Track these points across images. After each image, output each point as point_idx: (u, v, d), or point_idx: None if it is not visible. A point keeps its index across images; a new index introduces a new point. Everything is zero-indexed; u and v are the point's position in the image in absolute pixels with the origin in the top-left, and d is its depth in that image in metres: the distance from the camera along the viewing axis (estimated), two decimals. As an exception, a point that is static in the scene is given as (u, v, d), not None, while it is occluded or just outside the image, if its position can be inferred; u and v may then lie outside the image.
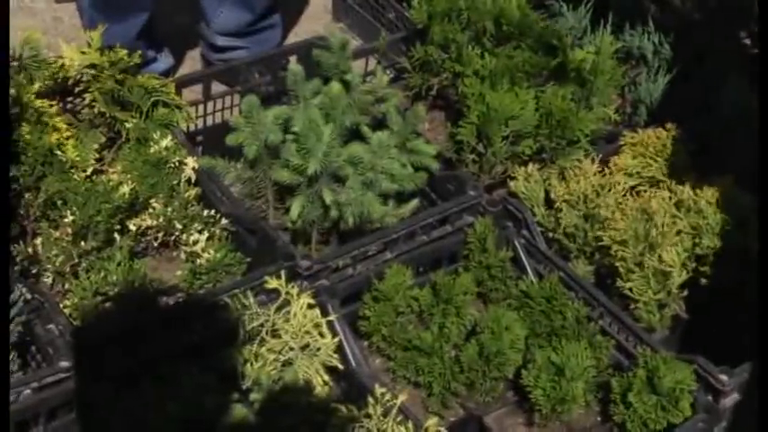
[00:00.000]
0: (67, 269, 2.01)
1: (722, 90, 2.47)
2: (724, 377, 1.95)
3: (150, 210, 2.15)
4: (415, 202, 2.26)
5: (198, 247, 2.13)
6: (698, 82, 2.50)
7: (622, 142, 2.40)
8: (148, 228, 2.14)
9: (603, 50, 2.44)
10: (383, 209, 2.16)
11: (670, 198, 2.27)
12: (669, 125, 2.39)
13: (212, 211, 2.19)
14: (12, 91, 2.05)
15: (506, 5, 2.54)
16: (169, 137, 2.24)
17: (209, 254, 2.12)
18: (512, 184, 2.33)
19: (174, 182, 2.20)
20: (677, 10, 2.60)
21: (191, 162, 2.23)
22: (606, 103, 2.44)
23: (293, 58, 2.49)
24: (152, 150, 2.21)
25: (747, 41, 2.63)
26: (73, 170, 2.13)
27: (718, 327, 2.14)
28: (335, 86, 2.24)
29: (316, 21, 3.17)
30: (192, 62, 2.93)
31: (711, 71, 2.51)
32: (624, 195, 2.29)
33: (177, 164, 2.22)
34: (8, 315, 1.71)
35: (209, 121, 2.47)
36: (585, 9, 2.63)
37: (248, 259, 2.14)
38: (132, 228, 2.11)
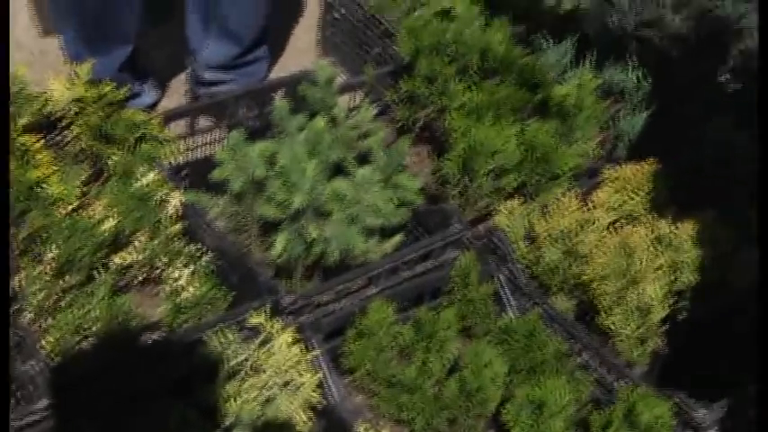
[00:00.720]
0: (49, 305, 2.02)
1: (702, 126, 2.50)
2: (702, 412, 1.96)
3: (134, 245, 2.16)
4: (399, 237, 2.27)
5: (181, 282, 2.14)
6: (678, 118, 2.54)
7: (603, 177, 2.43)
8: (132, 263, 2.15)
9: (585, 86, 2.48)
10: (367, 245, 2.17)
11: (652, 232, 2.29)
12: (649, 160, 2.42)
13: (197, 246, 2.20)
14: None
15: (492, 39, 2.57)
16: (154, 171, 2.25)
17: (192, 288, 2.13)
18: (495, 218, 2.35)
19: (159, 216, 2.21)
20: (657, 46, 2.63)
21: (176, 196, 2.24)
22: (588, 139, 2.47)
23: (280, 93, 2.51)
24: (137, 185, 2.21)
25: (727, 77, 2.66)
26: (57, 205, 2.14)
27: (697, 362, 2.15)
28: (321, 122, 2.26)
29: (304, 54, 3.19)
30: (179, 95, 2.95)
31: (691, 107, 2.54)
32: (605, 230, 2.31)
33: (162, 198, 2.23)
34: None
35: (195, 155, 2.48)
36: (568, 44, 2.66)
37: (232, 294, 2.14)
38: (116, 263, 2.12)
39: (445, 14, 2.56)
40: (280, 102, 2.29)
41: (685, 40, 2.60)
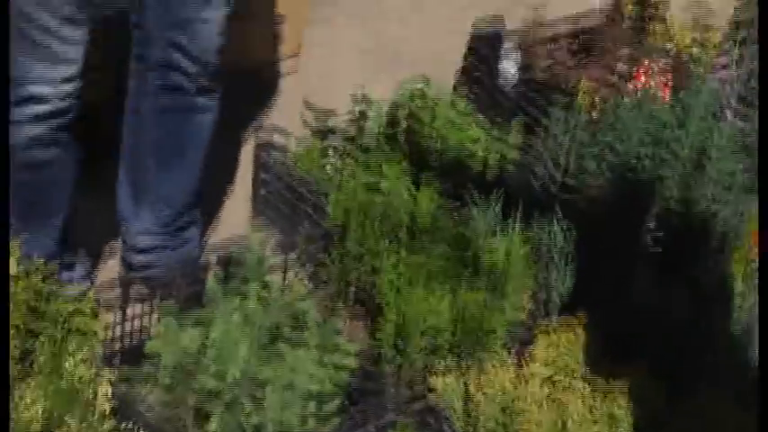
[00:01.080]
0: (-25, 501, 1.94)
1: (629, 277, 2.57)
2: None
3: (65, 429, 2.11)
4: (335, 405, 2.26)
5: (114, 468, 2.09)
6: (605, 270, 2.60)
7: (536, 333, 2.46)
8: (62, 449, 2.09)
9: (515, 244, 2.54)
10: (303, 427, 2.15)
11: (586, 388, 2.32)
12: (580, 315, 2.46)
13: (130, 425, 2.15)
14: None
15: (421, 201, 2.64)
16: (85, 349, 2.22)
17: (126, 473, 2.08)
18: (430, 380, 2.36)
19: (90, 396, 2.17)
20: (580, 200, 2.72)
21: (107, 374, 2.21)
22: (520, 296, 2.52)
23: (213, 263, 2.52)
24: (67, 365, 2.18)
25: (650, 226, 2.75)
26: (-17, 391, 2.08)
27: None
28: (253, 296, 2.27)
29: (237, 212, 3.21)
30: (112, 265, 2.94)
31: (617, 260, 2.61)
32: (540, 387, 2.33)
33: (93, 377, 2.19)
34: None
35: (129, 330, 2.46)
36: (495, 200, 2.72)
37: (167, 475, 2.10)
38: (45, 449, 2.07)
39: (374, 182, 2.64)
40: (211, 283, 2.30)
41: (607, 195, 2.69)
